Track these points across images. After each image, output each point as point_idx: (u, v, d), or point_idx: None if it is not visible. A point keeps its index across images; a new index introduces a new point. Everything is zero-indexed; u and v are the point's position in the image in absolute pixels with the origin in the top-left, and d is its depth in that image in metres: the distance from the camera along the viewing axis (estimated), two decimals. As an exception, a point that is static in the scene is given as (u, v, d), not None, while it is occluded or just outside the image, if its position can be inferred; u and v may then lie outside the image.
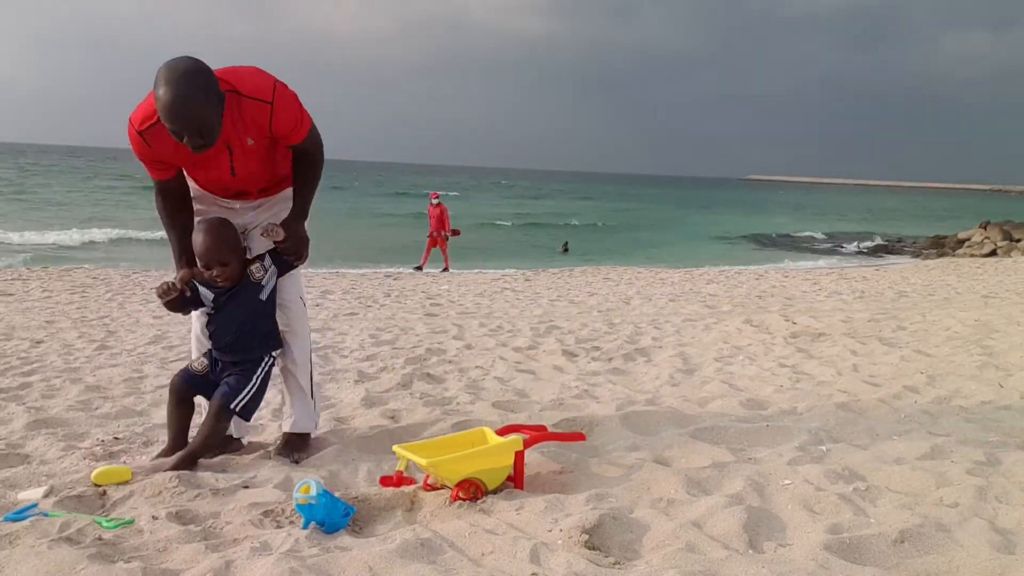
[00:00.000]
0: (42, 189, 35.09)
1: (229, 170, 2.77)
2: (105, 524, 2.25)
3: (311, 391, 3.09)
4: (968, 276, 13.01)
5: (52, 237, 18.63)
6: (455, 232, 15.40)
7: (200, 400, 2.96)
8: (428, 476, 2.54)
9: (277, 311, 2.98)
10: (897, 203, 77.82)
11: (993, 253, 20.51)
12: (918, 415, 3.45)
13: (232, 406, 2.82)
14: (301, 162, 2.88)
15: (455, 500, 2.41)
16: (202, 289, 2.83)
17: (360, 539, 2.19)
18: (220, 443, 2.95)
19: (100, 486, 2.57)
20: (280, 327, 3.00)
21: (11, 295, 8.57)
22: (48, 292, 8.95)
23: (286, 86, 2.72)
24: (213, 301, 2.85)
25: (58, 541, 2.12)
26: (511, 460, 2.56)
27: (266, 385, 2.94)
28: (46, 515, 2.31)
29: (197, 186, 2.94)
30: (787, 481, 2.57)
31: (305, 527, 2.21)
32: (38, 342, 5.61)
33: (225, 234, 2.79)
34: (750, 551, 2.08)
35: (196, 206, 2.94)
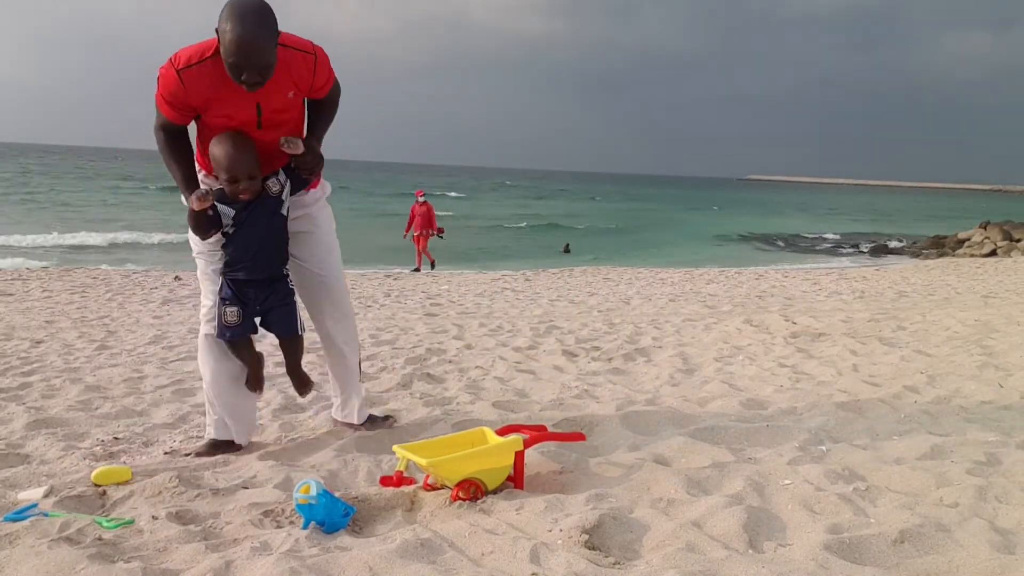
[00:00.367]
0: (47, 191, 35.11)
1: (256, 123, 2.75)
2: (105, 524, 2.25)
3: (360, 375, 3.29)
4: (968, 276, 13.01)
5: (69, 240, 18.65)
6: (440, 231, 15.21)
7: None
8: (428, 476, 2.54)
9: (321, 291, 3.11)
10: (900, 203, 77.82)
11: (993, 253, 20.51)
12: (918, 415, 3.45)
13: (300, 332, 3.04)
14: (323, 105, 2.94)
15: (455, 500, 2.41)
16: (221, 207, 2.81)
17: (360, 539, 2.19)
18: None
19: (100, 486, 2.57)
20: (326, 309, 3.13)
21: (11, 295, 8.58)
22: (48, 292, 8.96)
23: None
24: (233, 218, 2.84)
25: (58, 541, 2.12)
26: (511, 460, 2.56)
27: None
28: (46, 515, 2.31)
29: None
30: (787, 481, 2.57)
31: (305, 527, 2.21)
32: (38, 342, 5.62)
33: (252, 145, 2.78)
34: (750, 551, 2.08)
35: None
